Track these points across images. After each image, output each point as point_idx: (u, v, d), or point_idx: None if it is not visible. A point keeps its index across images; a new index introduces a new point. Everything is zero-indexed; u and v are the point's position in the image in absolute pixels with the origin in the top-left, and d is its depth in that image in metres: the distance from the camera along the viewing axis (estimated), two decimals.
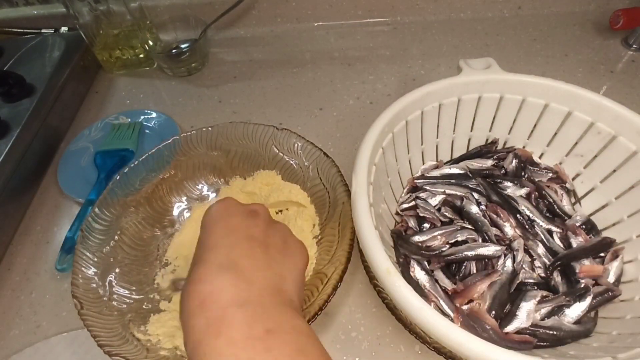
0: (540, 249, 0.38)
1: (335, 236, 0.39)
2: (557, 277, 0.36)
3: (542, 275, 0.37)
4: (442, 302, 0.34)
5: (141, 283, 0.40)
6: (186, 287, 0.24)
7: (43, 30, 0.66)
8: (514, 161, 0.44)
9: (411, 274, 0.36)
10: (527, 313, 0.33)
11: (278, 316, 0.23)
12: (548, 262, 0.37)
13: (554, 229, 0.39)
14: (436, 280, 0.36)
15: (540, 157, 0.45)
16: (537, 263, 0.37)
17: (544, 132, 0.44)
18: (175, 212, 0.46)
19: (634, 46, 0.65)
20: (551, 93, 0.41)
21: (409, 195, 0.43)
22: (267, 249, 0.27)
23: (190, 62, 0.65)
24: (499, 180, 0.43)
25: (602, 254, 0.38)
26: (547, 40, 0.68)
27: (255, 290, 0.24)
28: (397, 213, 0.42)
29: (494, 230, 0.38)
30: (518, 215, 0.40)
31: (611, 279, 0.36)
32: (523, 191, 0.42)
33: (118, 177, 0.42)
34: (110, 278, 0.39)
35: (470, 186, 0.42)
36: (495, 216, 0.39)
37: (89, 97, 0.65)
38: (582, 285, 0.35)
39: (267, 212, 0.31)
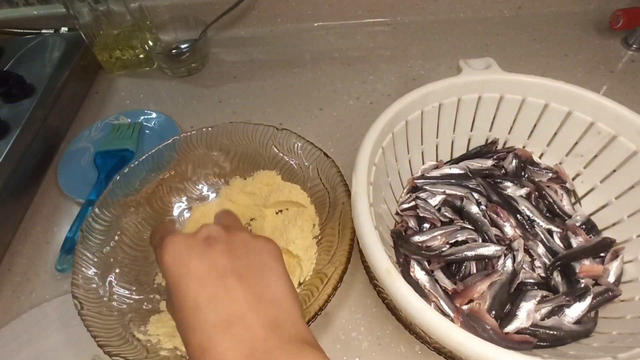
0: (540, 249, 0.38)
1: (335, 236, 0.39)
2: (557, 277, 0.36)
3: (542, 275, 0.37)
4: (442, 302, 0.34)
5: (141, 283, 0.40)
6: (192, 357, 0.23)
7: (43, 31, 0.66)
8: (514, 161, 0.44)
9: (411, 274, 0.36)
10: (527, 313, 0.33)
11: (286, 358, 0.22)
12: (548, 262, 0.37)
13: (554, 228, 0.39)
14: (436, 281, 0.36)
15: (540, 157, 0.45)
16: (537, 263, 0.37)
17: (544, 132, 0.44)
18: (176, 212, 0.46)
19: (634, 46, 0.65)
20: (551, 93, 0.41)
21: (409, 195, 0.43)
22: (242, 277, 0.25)
23: (190, 62, 0.65)
24: (499, 180, 0.43)
25: (602, 254, 0.38)
26: (547, 40, 0.68)
27: (258, 335, 0.23)
28: (397, 213, 0.42)
29: (494, 231, 0.38)
30: (518, 215, 0.40)
31: (611, 279, 0.36)
32: (523, 191, 0.42)
33: (118, 178, 0.42)
34: (111, 278, 0.39)
35: (470, 186, 0.42)
36: (495, 216, 0.39)
37: (89, 98, 0.65)
38: (582, 285, 0.35)
39: (216, 228, 0.28)
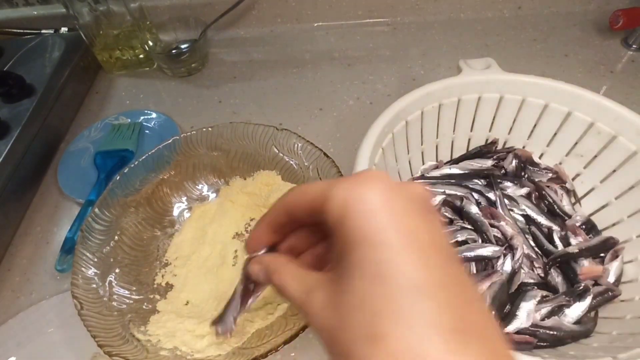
0: (538, 248, 0.38)
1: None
2: (557, 277, 0.36)
3: (542, 275, 0.37)
4: None
5: (141, 283, 0.40)
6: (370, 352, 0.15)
7: (43, 31, 0.66)
8: (514, 161, 0.44)
9: None
10: (527, 313, 0.33)
11: None
12: (546, 261, 0.37)
13: (554, 227, 0.39)
14: None
15: (540, 157, 0.45)
16: (536, 263, 0.37)
17: (544, 132, 0.44)
18: (175, 212, 0.46)
19: (634, 46, 0.65)
20: (551, 93, 0.41)
21: None
22: (460, 264, 0.18)
23: (190, 62, 0.65)
24: (499, 181, 0.43)
25: (602, 254, 0.38)
26: (547, 40, 0.68)
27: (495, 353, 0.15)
28: None
29: (494, 231, 0.38)
30: (514, 215, 0.40)
31: (611, 279, 0.36)
32: (523, 191, 0.42)
33: (118, 178, 0.42)
34: (110, 278, 0.39)
35: (470, 186, 0.42)
36: (492, 219, 0.39)
37: (89, 98, 0.65)
38: (582, 285, 0.35)
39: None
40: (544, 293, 0.35)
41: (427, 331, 0.15)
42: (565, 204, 0.42)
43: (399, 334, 0.15)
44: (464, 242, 0.38)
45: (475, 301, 0.17)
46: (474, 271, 0.36)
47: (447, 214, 0.40)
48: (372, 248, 0.16)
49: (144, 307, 0.39)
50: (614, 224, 0.40)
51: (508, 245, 0.37)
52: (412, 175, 0.45)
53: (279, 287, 0.21)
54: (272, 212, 0.23)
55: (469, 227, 0.39)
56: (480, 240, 0.38)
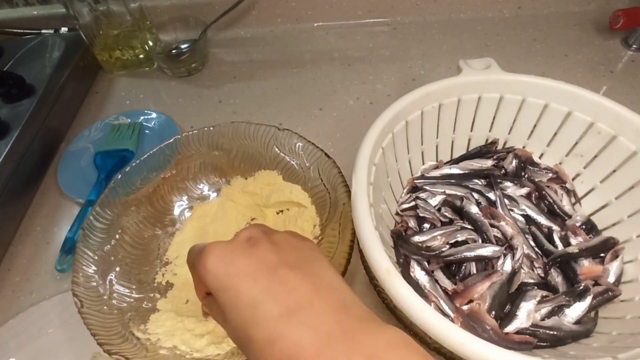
0: (538, 248, 0.38)
1: (335, 237, 0.39)
2: (557, 277, 0.36)
3: (542, 275, 0.37)
4: (442, 302, 0.34)
5: (141, 282, 0.40)
6: (259, 355, 0.22)
7: (43, 31, 0.66)
8: (514, 161, 0.44)
9: (411, 274, 0.36)
10: (527, 313, 0.33)
11: (368, 337, 0.21)
12: (546, 261, 0.37)
13: (554, 227, 0.39)
14: (436, 281, 0.36)
15: (540, 157, 0.45)
16: (536, 263, 0.37)
17: (544, 132, 0.44)
18: (176, 211, 0.46)
19: (634, 46, 0.65)
20: (551, 93, 0.41)
21: (409, 195, 0.43)
22: (294, 268, 0.25)
23: (190, 62, 0.65)
24: (499, 181, 0.43)
25: (602, 254, 0.38)
26: (547, 40, 0.68)
27: (329, 319, 0.22)
28: (397, 213, 0.42)
29: (494, 231, 0.38)
30: (514, 215, 0.40)
31: (611, 279, 0.36)
32: (523, 191, 0.42)
33: (119, 176, 0.42)
34: (111, 277, 0.39)
35: (470, 186, 0.42)
36: (492, 219, 0.39)
37: (89, 98, 0.65)
38: (582, 285, 0.35)
39: (260, 228, 0.28)
40: (544, 293, 0.35)
41: (264, 326, 0.22)
42: (565, 204, 0.42)
43: (255, 332, 0.22)
44: (464, 242, 0.37)
45: (295, 289, 0.23)
46: (474, 271, 0.37)
47: (447, 213, 0.40)
48: (222, 293, 0.24)
49: (144, 305, 0.39)
50: (614, 224, 0.40)
51: (508, 245, 0.37)
52: (412, 175, 0.45)
53: (212, 316, 0.30)
54: (197, 290, 0.31)
55: (469, 227, 0.39)
56: (480, 240, 0.38)
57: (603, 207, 0.41)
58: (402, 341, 0.22)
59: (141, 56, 0.66)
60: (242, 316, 0.23)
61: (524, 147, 0.46)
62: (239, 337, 0.24)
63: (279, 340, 0.21)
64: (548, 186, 0.43)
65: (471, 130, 0.46)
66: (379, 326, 0.23)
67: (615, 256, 0.37)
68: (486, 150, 0.46)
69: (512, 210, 0.40)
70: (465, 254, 0.36)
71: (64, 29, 0.67)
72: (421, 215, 0.40)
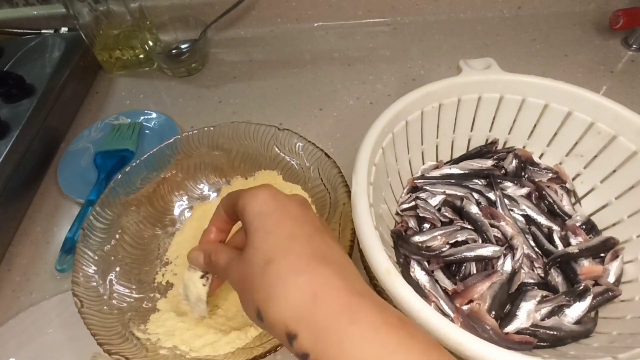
0: (538, 248, 0.38)
1: (335, 237, 0.39)
2: (557, 277, 0.36)
3: (542, 275, 0.37)
4: (442, 302, 0.34)
5: (141, 282, 0.40)
6: (278, 280, 0.23)
7: (43, 31, 0.66)
8: (514, 161, 0.44)
9: (411, 274, 0.36)
10: (527, 313, 0.33)
11: (392, 307, 0.23)
12: (546, 261, 0.37)
13: (555, 227, 0.39)
14: (436, 281, 0.36)
15: (540, 157, 0.45)
16: (536, 263, 0.37)
17: (544, 132, 0.44)
18: (176, 211, 0.46)
19: (634, 46, 0.65)
20: (551, 93, 0.41)
21: (409, 195, 0.43)
22: (329, 240, 0.26)
23: (190, 62, 0.65)
24: (499, 181, 0.43)
25: (602, 254, 0.38)
26: (547, 40, 0.68)
27: (358, 281, 0.23)
28: (397, 213, 0.42)
29: (494, 231, 0.38)
30: (514, 215, 0.40)
31: (611, 279, 0.36)
32: (523, 191, 0.42)
33: (120, 176, 0.42)
34: (111, 277, 0.39)
35: (470, 186, 0.42)
36: (492, 219, 0.39)
37: (89, 98, 0.65)
38: (582, 285, 0.35)
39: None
40: (544, 293, 0.35)
41: (297, 256, 0.23)
42: (565, 204, 0.42)
43: (281, 259, 0.23)
44: (464, 242, 0.37)
45: (329, 246, 0.25)
46: (474, 271, 0.37)
47: (447, 213, 0.40)
48: (262, 218, 0.26)
49: (144, 305, 0.39)
50: (614, 224, 0.40)
51: (508, 245, 0.37)
52: (412, 175, 0.45)
53: (214, 262, 0.30)
54: (215, 217, 0.32)
55: (469, 227, 0.39)
56: (480, 240, 0.38)
57: (603, 207, 0.41)
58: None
59: (141, 56, 0.66)
60: (273, 241, 0.24)
61: (524, 147, 0.46)
62: (252, 264, 0.24)
63: (308, 273, 0.22)
64: (548, 186, 0.43)
65: (471, 130, 0.46)
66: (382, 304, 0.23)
67: (615, 256, 0.37)
68: (486, 150, 0.46)
69: (512, 210, 0.40)
70: (465, 254, 0.36)
71: (64, 29, 0.67)
72: (421, 215, 0.40)
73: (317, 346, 0.21)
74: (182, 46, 0.65)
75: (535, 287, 0.36)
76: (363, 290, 0.23)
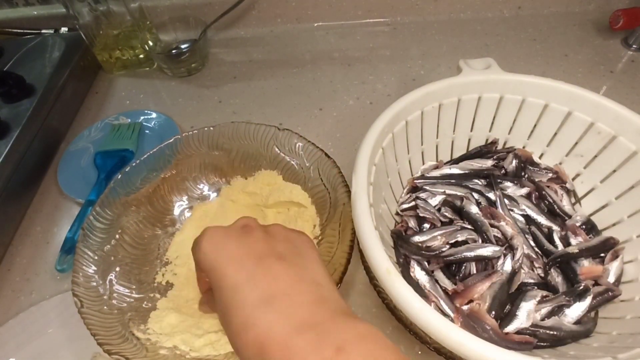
0: (538, 248, 0.38)
1: (335, 237, 0.39)
2: (557, 277, 0.36)
3: (542, 275, 0.37)
4: (442, 302, 0.34)
5: (141, 282, 0.40)
6: (235, 338, 0.23)
7: (43, 31, 0.66)
8: (514, 161, 0.44)
9: (411, 274, 0.36)
10: (527, 313, 0.33)
11: (338, 329, 0.22)
12: (546, 261, 0.37)
13: (555, 227, 0.39)
14: (436, 281, 0.36)
15: (540, 157, 0.45)
16: (536, 263, 0.37)
17: (544, 132, 0.44)
18: (176, 211, 0.46)
19: (634, 46, 0.65)
20: (551, 93, 0.41)
21: (409, 195, 0.43)
22: (281, 259, 0.26)
23: (190, 62, 0.65)
24: (499, 181, 0.43)
25: (602, 254, 0.38)
26: (547, 40, 0.68)
27: (304, 310, 0.23)
28: (397, 213, 0.42)
29: (494, 231, 0.38)
30: (514, 215, 0.40)
31: (611, 279, 0.36)
32: (523, 191, 0.42)
33: (119, 176, 0.42)
34: (111, 277, 0.39)
35: (470, 186, 0.42)
36: (492, 219, 0.39)
37: (89, 98, 0.65)
38: (582, 285, 0.35)
39: (255, 220, 0.29)
40: (544, 293, 0.35)
41: (242, 309, 0.23)
42: (565, 204, 0.42)
43: (232, 315, 0.24)
44: (464, 242, 0.38)
45: (275, 278, 0.25)
46: (474, 271, 0.37)
47: (447, 213, 0.40)
48: (210, 273, 0.26)
49: (144, 305, 0.39)
50: (614, 224, 0.40)
51: (508, 245, 0.37)
52: (412, 175, 0.45)
53: (204, 310, 0.34)
54: (197, 275, 0.33)
55: (469, 227, 0.39)
56: (480, 240, 0.38)
57: (603, 207, 0.41)
58: (371, 335, 0.22)
59: (141, 56, 0.66)
60: (225, 299, 0.24)
61: (524, 147, 0.46)
62: (222, 320, 0.25)
63: (253, 327, 0.22)
64: (548, 186, 0.43)
65: (471, 130, 0.46)
66: (352, 320, 0.23)
67: (615, 256, 0.37)
68: (486, 150, 0.46)
69: (512, 210, 0.40)
70: (465, 254, 0.36)
71: (64, 29, 0.67)
72: (421, 215, 0.40)
73: None
74: (182, 46, 0.65)
75: (535, 287, 0.36)
76: (304, 320, 0.22)
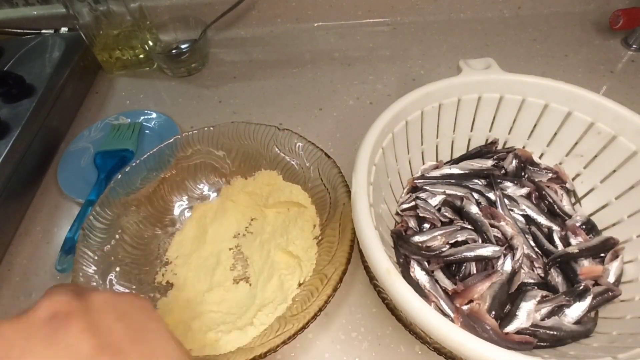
0: (538, 248, 0.38)
1: (335, 237, 0.39)
2: (557, 277, 0.36)
3: (542, 275, 0.37)
4: (442, 302, 0.34)
5: (141, 282, 0.41)
6: None
7: (43, 31, 0.66)
8: (514, 161, 0.44)
9: (411, 274, 0.36)
10: (527, 313, 0.33)
11: None
12: (546, 261, 0.37)
13: (555, 227, 0.39)
14: (436, 281, 0.36)
15: (540, 157, 0.45)
16: (536, 263, 0.37)
17: (544, 132, 0.44)
18: (176, 211, 0.46)
19: (634, 46, 0.65)
20: (551, 93, 0.41)
21: (409, 195, 0.43)
22: (118, 354, 0.19)
23: (190, 62, 0.65)
24: (499, 181, 0.43)
25: (602, 254, 0.38)
26: (547, 40, 0.68)
27: None
28: (397, 213, 0.42)
29: (494, 231, 0.38)
30: (514, 215, 0.40)
31: (611, 279, 0.36)
32: (523, 191, 0.42)
33: (120, 176, 0.42)
34: (111, 277, 0.39)
35: (470, 186, 0.42)
36: (492, 219, 0.39)
37: (89, 98, 0.65)
38: (582, 285, 0.35)
39: (69, 293, 0.21)
40: (544, 293, 0.35)
41: None
42: (565, 204, 0.42)
43: None
44: (464, 242, 0.38)
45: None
46: (474, 271, 0.37)
47: (447, 213, 0.40)
48: None
49: None
50: (614, 224, 0.40)
51: (508, 245, 0.37)
52: (412, 175, 0.45)
53: None
54: None
55: (469, 227, 0.39)
56: (480, 240, 0.38)
57: (603, 207, 0.41)
58: None
59: (141, 56, 0.66)
60: None
61: (524, 147, 0.46)
62: None
63: None
64: (548, 186, 0.43)
65: (471, 130, 0.46)
66: None
67: (615, 256, 0.37)
68: (486, 150, 0.46)
69: (512, 210, 0.40)
70: (465, 254, 0.36)
71: (64, 29, 0.67)
72: (421, 215, 0.40)
73: None
74: (182, 46, 0.65)
75: (535, 287, 0.36)
76: None
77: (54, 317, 0.19)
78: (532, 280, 0.37)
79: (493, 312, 0.33)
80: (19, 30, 0.67)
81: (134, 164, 0.43)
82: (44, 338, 0.18)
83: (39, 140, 0.53)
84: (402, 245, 0.38)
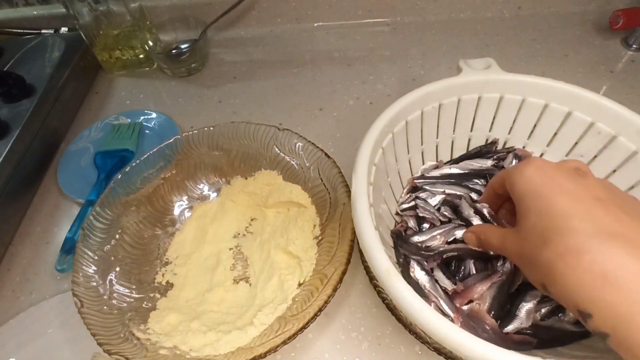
0: None
1: (335, 237, 0.39)
2: None
3: None
4: (442, 302, 0.34)
5: (141, 282, 0.41)
6: (556, 260, 0.23)
7: (43, 31, 0.66)
8: (514, 161, 0.44)
9: (411, 274, 0.36)
10: (527, 313, 0.33)
11: None
12: None
13: None
14: (436, 281, 0.36)
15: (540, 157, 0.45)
16: None
17: (544, 132, 0.44)
18: (176, 211, 0.46)
19: (634, 46, 0.65)
20: (551, 93, 0.41)
21: (409, 195, 0.43)
22: (623, 207, 0.24)
23: (190, 62, 0.65)
24: None
25: None
26: (547, 40, 0.68)
27: None
28: (397, 213, 0.42)
29: None
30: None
31: None
32: None
33: (119, 176, 0.42)
34: (111, 277, 0.39)
35: (470, 186, 0.42)
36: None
37: (89, 98, 0.65)
38: None
39: (585, 165, 0.29)
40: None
41: (575, 235, 0.23)
42: None
43: (558, 240, 0.23)
44: (462, 240, 0.37)
45: (618, 219, 0.23)
46: (474, 271, 0.36)
47: (446, 213, 0.40)
48: (531, 199, 0.26)
49: (144, 305, 0.39)
50: None
51: None
52: (412, 175, 0.45)
53: (484, 241, 0.32)
54: (486, 194, 0.36)
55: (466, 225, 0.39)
56: None
57: None
58: None
59: (141, 56, 0.66)
60: (546, 223, 0.24)
61: (524, 147, 0.46)
62: (529, 243, 0.25)
63: (591, 253, 0.21)
64: None
65: (471, 130, 0.46)
66: None
67: None
68: (486, 150, 0.46)
69: None
70: (459, 245, 0.36)
71: (64, 29, 0.67)
72: (421, 215, 0.40)
73: (618, 330, 0.20)
74: (182, 46, 0.65)
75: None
76: None
77: (577, 169, 0.27)
78: None
79: (493, 312, 0.33)
80: (19, 30, 0.67)
81: (134, 164, 0.43)
82: (570, 176, 0.26)
83: (39, 140, 0.53)
84: (402, 245, 0.38)
